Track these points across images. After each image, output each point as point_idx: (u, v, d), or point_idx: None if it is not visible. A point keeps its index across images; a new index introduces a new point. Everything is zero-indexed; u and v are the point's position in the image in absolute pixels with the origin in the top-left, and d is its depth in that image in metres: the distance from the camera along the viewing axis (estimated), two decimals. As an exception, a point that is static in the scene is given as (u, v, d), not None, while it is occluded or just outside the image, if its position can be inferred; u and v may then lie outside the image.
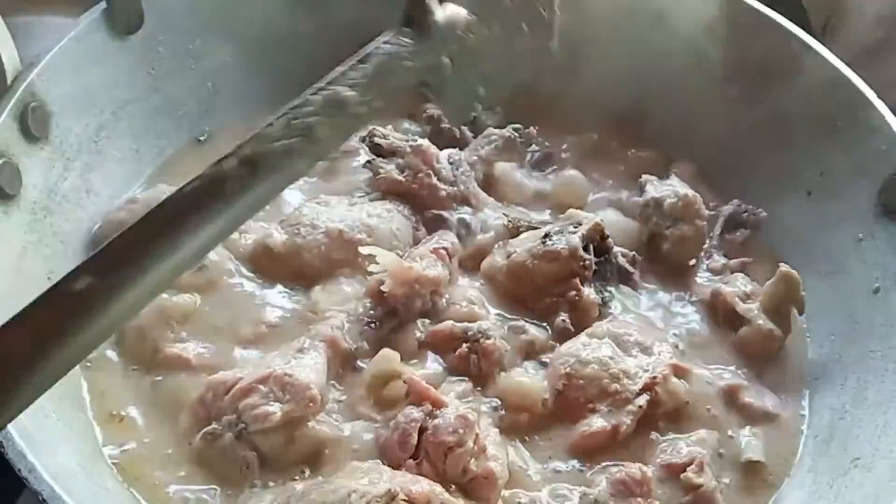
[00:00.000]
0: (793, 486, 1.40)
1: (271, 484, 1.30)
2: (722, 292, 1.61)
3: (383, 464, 1.30)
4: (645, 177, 1.80)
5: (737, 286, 1.63)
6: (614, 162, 1.94)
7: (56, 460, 1.11)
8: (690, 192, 1.71)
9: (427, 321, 1.53)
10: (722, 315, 1.61)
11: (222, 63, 1.84)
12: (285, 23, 1.87)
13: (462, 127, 1.91)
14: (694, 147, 1.92)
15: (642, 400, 1.40)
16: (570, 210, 1.70)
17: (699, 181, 1.86)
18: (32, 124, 1.46)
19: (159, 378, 1.41)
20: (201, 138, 1.84)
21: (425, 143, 1.71)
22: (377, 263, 1.49)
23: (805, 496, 1.36)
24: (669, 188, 1.74)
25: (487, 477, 1.28)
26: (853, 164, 1.67)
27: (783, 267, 1.59)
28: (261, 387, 1.32)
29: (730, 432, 1.45)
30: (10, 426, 1.07)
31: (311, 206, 1.63)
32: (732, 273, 1.70)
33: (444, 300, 1.56)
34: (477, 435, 1.32)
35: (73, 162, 1.56)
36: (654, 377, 1.42)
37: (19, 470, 1.07)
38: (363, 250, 1.49)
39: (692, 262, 1.73)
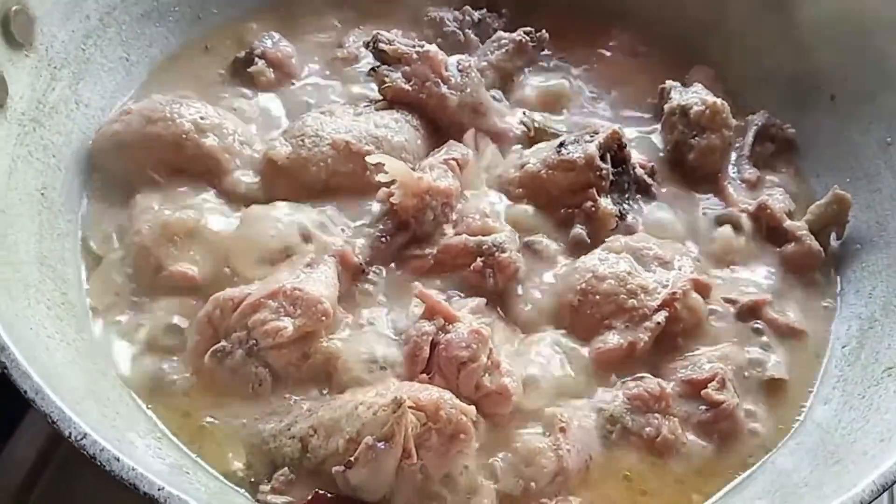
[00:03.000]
0: (819, 401, 1.47)
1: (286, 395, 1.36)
2: (769, 206, 1.66)
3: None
4: (669, 83, 1.83)
5: (779, 200, 1.67)
6: (630, 67, 1.95)
7: (63, 383, 1.16)
8: (718, 100, 1.74)
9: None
10: (766, 229, 1.66)
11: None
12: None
13: (466, 30, 1.91)
14: (711, 51, 1.96)
15: (660, 317, 1.45)
16: (588, 119, 1.72)
17: (717, 87, 1.89)
18: (16, 29, 1.49)
19: (164, 296, 1.45)
20: (194, 44, 1.84)
21: (433, 48, 1.72)
22: (386, 173, 1.51)
23: (834, 409, 1.44)
24: (695, 95, 1.76)
25: (501, 393, 1.35)
26: (880, 66, 1.70)
27: (837, 190, 1.64)
28: (270, 302, 1.37)
29: (752, 349, 1.50)
30: (12, 345, 1.12)
31: (314, 116, 1.65)
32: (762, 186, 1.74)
33: (455, 213, 1.59)
34: (491, 350, 1.38)
35: (60, 71, 1.59)
36: (674, 293, 1.47)
37: (25, 392, 1.11)
38: (371, 159, 1.52)
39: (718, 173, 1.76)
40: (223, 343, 1.37)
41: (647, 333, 1.45)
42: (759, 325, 1.55)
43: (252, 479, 1.29)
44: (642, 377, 1.44)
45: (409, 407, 1.22)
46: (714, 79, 1.92)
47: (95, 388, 1.28)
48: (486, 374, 1.35)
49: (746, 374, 1.48)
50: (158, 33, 1.80)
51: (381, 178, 1.52)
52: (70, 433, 1.06)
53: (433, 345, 1.37)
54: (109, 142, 1.59)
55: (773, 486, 1.32)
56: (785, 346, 1.54)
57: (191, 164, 1.59)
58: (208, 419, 1.34)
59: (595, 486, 1.34)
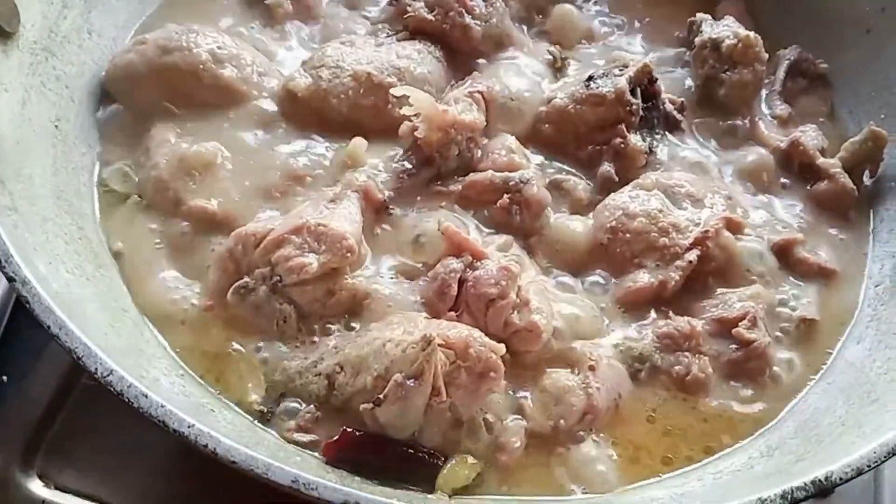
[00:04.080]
0: (852, 340, 1.44)
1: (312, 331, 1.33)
2: (802, 143, 1.61)
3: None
4: (699, 15, 1.77)
5: (812, 137, 1.62)
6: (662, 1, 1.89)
7: (86, 318, 1.13)
8: (750, 33, 1.69)
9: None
10: (797, 166, 1.62)
11: None
12: None
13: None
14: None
15: (692, 255, 1.42)
16: (617, 52, 1.67)
17: (747, 21, 1.84)
18: (27, -45, 1.42)
19: (185, 229, 1.41)
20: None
21: (457, -24, 1.65)
22: (410, 106, 1.46)
23: (867, 348, 1.41)
24: (727, 28, 1.71)
25: (532, 330, 1.32)
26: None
27: (873, 126, 1.60)
28: (294, 237, 1.34)
29: (784, 288, 1.47)
30: (33, 279, 1.09)
31: (335, 46, 1.60)
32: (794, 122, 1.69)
33: (479, 150, 1.55)
34: (519, 287, 1.34)
35: (71, -1, 1.52)
36: (706, 231, 1.44)
37: (48, 327, 1.07)
38: (396, 91, 1.47)
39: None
40: (246, 279, 1.34)
41: (678, 272, 1.42)
42: (789, 264, 1.51)
43: (266, 410, 1.27)
44: (672, 315, 1.40)
45: (439, 345, 1.20)
46: (744, 12, 1.86)
47: (116, 325, 1.25)
48: (515, 312, 1.32)
49: (777, 313, 1.44)
50: (172, -41, 1.73)
51: (405, 110, 1.47)
52: (96, 369, 1.03)
53: (461, 282, 1.34)
54: (123, 72, 1.53)
55: (806, 425, 1.30)
56: (817, 286, 1.51)
57: (208, 95, 1.54)
58: (232, 350, 1.32)
59: (620, 425, 1.31)
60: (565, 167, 1.59)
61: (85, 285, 1.27)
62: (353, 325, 1.35)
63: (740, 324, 1.39)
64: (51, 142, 1.42)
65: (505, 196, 1.48)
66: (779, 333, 1.43)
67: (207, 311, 1.35)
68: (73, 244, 1.33)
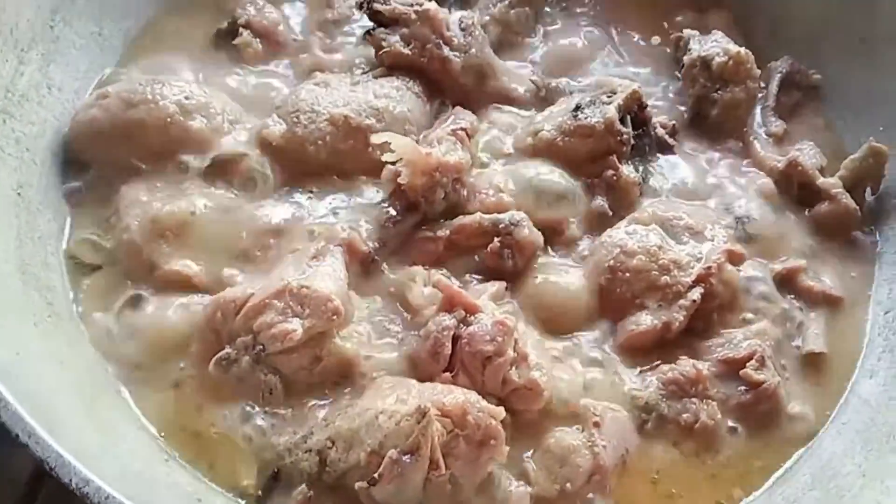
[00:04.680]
0: (864, 374, 1.39)
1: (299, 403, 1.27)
2: (800, 163, 1.55)
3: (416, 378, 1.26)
4: (686, 31, 1.70)
5: (810, 156, 1.55)
6: (640, 9, 1.81)
7: (59, 415, 1.06)
8: (741, 49, 1.62)
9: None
10: (797, 187, 1.55)
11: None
12: None
13: (465, -20, 1.77)
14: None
15: (696, 293, 1.36)
16: (602, 77, 1.60)
17: (735, 32, 1.77)
18: (-26, 12, 1.33)
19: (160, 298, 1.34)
20: (172, 12, 1.69)
21: (432, 6, 1.58)
22: (392, 152, 1.39)
23: (881, 383, 1.35)
24: (716, 45, 1.64)
25: (532, 388, 1.26)
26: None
27: (873, 142, 1.53)
28: (276, 302, 1.27)
29: (790, 321, 1.41)
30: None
31: (308, 89, 1.52)
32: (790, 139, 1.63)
33: (466, 189, 1.48)
34: (516, 341, 1.28)
35: (28, 53, 1.45)
36: (709, 267, 1.38)
37: (16, 436, 1.00)
38: (375, 139, 1.40)
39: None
40: (228, 350, 1.27)
41: (681, 312, 1.36)
42: (795, 294, 1.45)
43: (260, 494, 1.20)
44: (677, 359, 1.34)
45: (435, 414, 1.13)
46: (731, 22, 1.79)
47: (94, 413, 1.18)
48: (514, 368, 1.26)
49: (784, 348, 1.39)
50: (132, 3, 1.65)
51: (387, 157, 1.40)
52: (71, 480, 0.96)
53: (455, 339, 1.27)
54: (87, 129, 1.45)
55: (823, 473, 1.25)
56: (823, 316, 1.45)
57: (178, 149, 1.46)
58: (215, 432, 1.25)
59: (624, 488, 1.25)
60: (556, 202, 1.52)
61: (58, 371, 1.20)
62: (342, 391, 1.28)
63: (748, 364, 1.33)
64: (13, 212, 1.34)
65: (495, 239, 1.41)
66: (786, 372, 1.37)
67: (197, 386, 1.28)
68: (43, 324, 1.25)
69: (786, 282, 1.46)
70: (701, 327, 1.39)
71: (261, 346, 1.25)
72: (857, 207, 1.53)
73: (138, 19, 1.65)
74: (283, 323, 1.25)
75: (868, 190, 1.57)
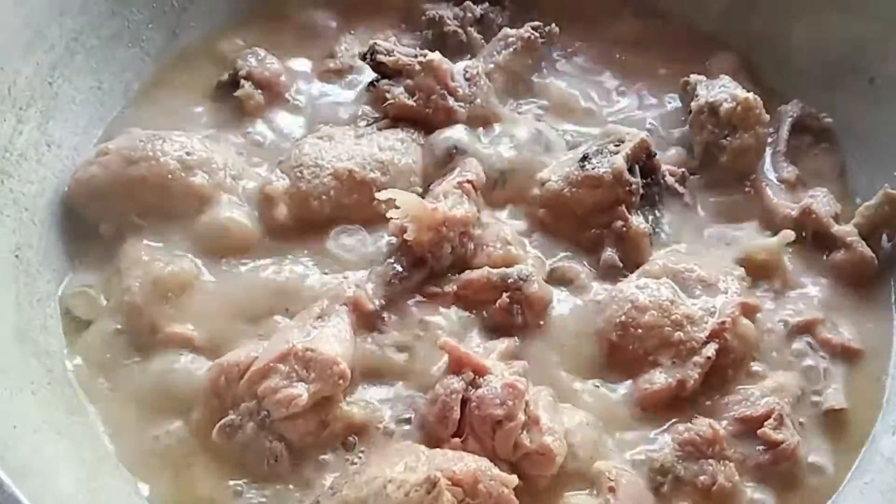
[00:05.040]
0: (886, 430, 1.35)
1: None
2: (814, 211, 1.52)
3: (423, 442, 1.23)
4: (693, 77, 1.68)
5: (824, 203, 1.52)
6: (646, 56, 1.79)
7: (56, 489, 1.02)
8: (749, 95, 1.59)
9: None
10: (811, 235, 1.52)
11: (186, -25, 1.67)
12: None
13: (468, 28, 1.75)
14: (733, 33, 1.80)
15: (710, 350, 1.32)
16: (611, 125, 1.58)
17: (743, 75, 1.75)
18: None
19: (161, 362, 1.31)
20: (172, 65, 1.67)
21: (437, 57, 1.56)
22: (397, 209, 1.36)
23: (905, 437, 1.31)
24: (724, 90, 1.61)
25: (544, 453, 1.22)
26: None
27: (888, 189, 1.50)
28: (280, 366, 1.24)
29: (809, 375, 1.37)
30: None
31: (312, 143, 1.50)
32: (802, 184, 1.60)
33: (473, 243, 1.45)
34: (527, 404, 1.24)
35: (26, 111, 1.42)
36: (723, 322, 1.34)
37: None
38: (380, 196, 1.37)
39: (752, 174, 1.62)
40: (231, 416, 1.24)
41: (696, 370, 1.32)
42: (813, 347, 1.42)
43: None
44: (692, 419, 1.31)
45: (445, 483, 1.10)
46: (738, 66, 1.77)
47: (94, 483, 1.15)
48: (525, 432, 1.23)
49: (802, 407, 1.35)
50: (132, 55, 1.62)
51: (392, 214, 1.37)
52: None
53: (463, 402, 1.24)
54: (87, 187, 1.43)
55: (848, 539, 1.20)
56: (842, 369, 1.41)
57: (180, 205, 1.43)
58: (223, 498, 1.21)
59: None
60: (566, 254, 1.49)
61: (56, 441, 1.17)
62: (348, 457, 1.24)
63: (766, 423, 1.29)
64: (11, 275, 1.31)
65: (504, 295, 1.38)
66: (805, 430, 1.33)
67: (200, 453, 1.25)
68: (41, 392, 1.22)
69: (803, 334, 1.43)
70: (717, 383, 1.35)
71: (265, 412, 1.22)
72: (874, 255, 1.50)
73: (139, 72, 1.63)
74: (287, 388, 1.22)
75: (884, 237, 1.54)
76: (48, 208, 1.42)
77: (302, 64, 1.70)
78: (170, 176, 1.42)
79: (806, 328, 1.43)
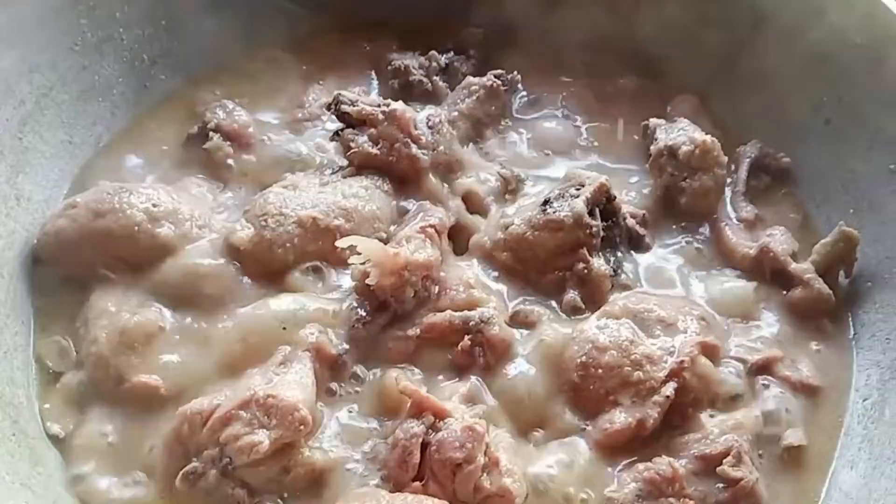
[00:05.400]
0: (845, 465, 1.37)
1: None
2: (772, 249, 1.55)
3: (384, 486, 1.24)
4: (652, 121, 1.71)
5: (781, 241, 1.56)
6: (608, 100, 1.84)
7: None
8: (707, 137, 1.63)
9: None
10: (770, 274, 1.55)
11: (156, 30, 1.71)
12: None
13: (434, 78, 1.79)
14: (693, 76, 1.84)
15: (669, 389, 1.34)
16: (571, 169, 1.61)
17: (702, 115, 1.79)
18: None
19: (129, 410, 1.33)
20: (142, 117, 1.71)
21: (400, 107, 1.59)
22: (359, 255, 1.39)
23: (861, 475, 1.33)
24: (682, 133, 1.65)
25: (503, 496, 1.23)
26: (876, 86, 1.58)
27: (843, 227, 1.54)
28: (242, 413, 1.25)
29: (768, 412, 1.39)
30: None
31: (277, 192, 1.53)
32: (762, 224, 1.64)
33: (437, 286, 1.47)
34: (487, 446, 1.26)
35: (-7, 165, 1.45)
36: (682, 361, 1.36)
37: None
38: (341, 243, 1.40)
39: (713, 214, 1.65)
40: (194, 463, 1.25)
41: (655, 409, 1.34)
42: (771, 384, 1.44)
43: None
44: (653, 456, 1.32)
45: (404, 529, 1.11)
46: (698, 108, 1.82)
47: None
48: (485, 475, 1.24)
49: (762, 443, 1.37)
50: (102, 109, 1.66)
51: (353, 260, 1.40)
52: None
53: (424, 446, 1.26)
54: (55, 240, 1.46)
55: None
56: (801, 405, 1.43)
57: (146, 256, 1.46)
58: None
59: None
60: (529, 297, 1.51)
61: (19, 492, 1.18)
62: (311, 503, 1.25)
63: (724, 461, 1.30)
64: (-22, 327, 1.33)
65: (466, 338, 1.40)
66: (765, 464, 1.35)
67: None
68: (6, 443, 1.24)
69: (763, 371, 1.45)
70: (677, 421, 1.37)
71: (228, 459, 1.23)
72: (831, 292, 1.52)
73: (109, 126, 1.67)
74: (249, 435, 1.23)
75: (842, 273, 1.57)
76: (17, 260, 1.45)
77: (270, 114, 1.74)
78: (136, 227, 1.45)
79: (765, 365, 1.45)
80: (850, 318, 1.55)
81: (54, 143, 1.57)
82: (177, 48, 1.75)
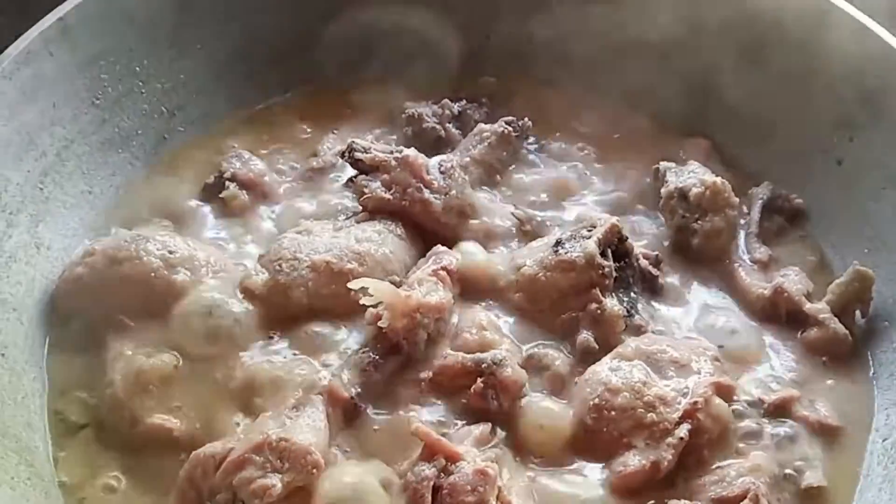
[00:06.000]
0: (866, 505, 1.33)
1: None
2: (786, 290, 1.55)
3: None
4: (663, 164, 1.73)
5: (795, 282, 1.56)
6: (620, 145, 1.86)
7: None
8: (717, 179, 1.64)
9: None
10: (785, 314, 1.55)
11: (175, 83, 1.76)
12: (238, 33, 1.83)
13: (447, 125, 1.83)
14: (705, 120, 1.86)
15: (683, 430, 1.33)
16: (582, 211, 1.63)
17: (714, 160, 1.81)
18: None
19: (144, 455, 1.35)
20: (161, 167, 1.75)
21: (412, 153, 1.62)
22: (371, 296, 1.41)
23: (883, 514, 1.30)
24: (693, 176, 1.66)
25: (517, 538, 1.22)
26: (888, 126, 1.60)
27: (858, 266, 1.54)
28: (255, 457, 1.26)
29: (786, 454, 1.38)
30: None
31: (291, 237, 1.55)
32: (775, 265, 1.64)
33: (450, 327, 1.49)
34: (500, 489, 1.26)
35: (17, 216, 1.49)
36: (695, 402, 1.35)
37: None
38: (353, 285, 1.41)
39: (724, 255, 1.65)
40: (207, 506, 1.25)
41: (670, 451, 1.33)
42: (789, 425, 1.42)
43: None
44: (669, 500, 1.31)
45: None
46: (709, 151, 1.84)
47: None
48: (497, 518, 1.23)
49: (781, 486, 1.35)
50: (122, 160, 1.71)
51: (365, 301, 1.41)
52: None
53: (436, 489, 1.25)
54: (73, 287, 1.49)
55: None
56: (820, 446, 1.41)
57: (163, 302, 1.48)
58: None
59: None
60: (542, 340, 1.51)
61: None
62: (324, 544, 1.25)
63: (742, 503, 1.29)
64: (-4, 373, 1.36)
65: (479, 380, 1.40)
66: (786, 507, 1.33)
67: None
68: (20, 487, 1.24)
69: (780, 412, 1.43)
70: (692, 464, 1.35)
71: (241, 503, 1.24)
72: (847, 332, 1.52)
73: (129, 175, 1.71)
74: (262, 479, 1.24)
75: (858, 313, 1.56)
76: (36, 307, 1.47)
77: (286, 163, 1.78)
78: (153, 274, 1.47)
79: (782, 405, 1.43)
80: (869, 358, 1.53)
81: (74, 194, 1.61)
82: (195, 100, 1.80)
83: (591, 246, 1.52)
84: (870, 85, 1.63)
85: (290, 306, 1.49)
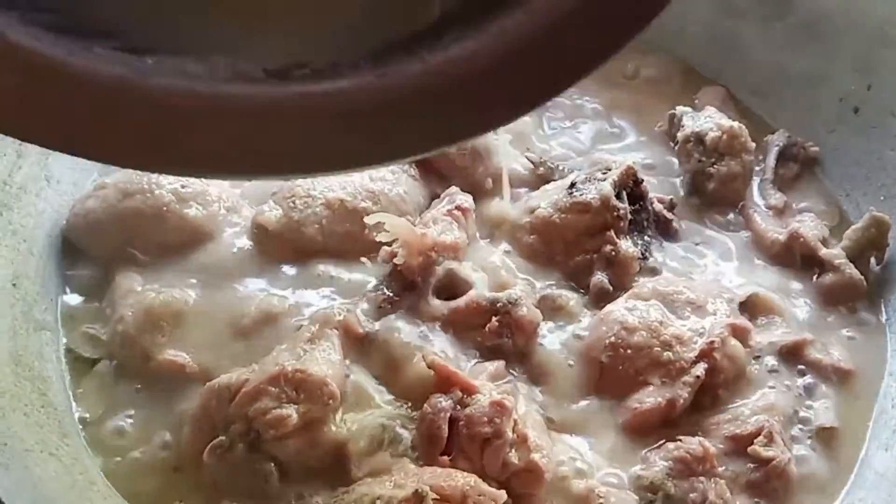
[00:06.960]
0: (879, 447, 1.36)
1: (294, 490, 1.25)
2: (802, 234, 1.55)
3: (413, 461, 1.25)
4: (679, 108, 1.73)
5: (811, 227, 1.56)
6: (635, 92, 1.85)
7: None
8: (735, 123, 1.64)
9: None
10: (800, 259, 1.56)
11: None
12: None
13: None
14: (720, 67, 1.86)
15: (699, 369, 1.34)
16: (598, 154, 1.63)
17: (730, 107, 1.80)
18: (-26, 107, 1.37)
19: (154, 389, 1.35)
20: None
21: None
22: (387, 232, 1.41)
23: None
24: (709, 120, 1.66)
25: (532, 471, 1.24)
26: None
27: (874, 212, 1.54)
28: (271, 388, 1.26)
29: (798, 395, 1.39)
30: None
31: (304, 175, 1.54)
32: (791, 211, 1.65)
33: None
34: (515, 422, 1.27)
35: (26, 147, 1.47)
36: (712, 342, 1.36)
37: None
38: (369, 219, 1.41)
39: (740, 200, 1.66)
40: (222, 437, 1.26)
41: (685, 389, 1.34)
42: (802, 367, 1.44)
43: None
44: (682, 437, 1.32)
45: (433, 499, 1.12)
46: (726, 98, 1.83)
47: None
48: (513, 450, 1.24)
49: (794, 423, 1.37)
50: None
51: (381, 237, 1.41)
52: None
53: (452, 421, 1.26)
54: (84, 220, 1.48)
55: (842, 554, 1.21)
56: (833, 389, 1.43)
57: (175, 237, 1.48)
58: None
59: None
60: (555, 281, 1.52)
61: (47, 462, 1.19)
62: (338, 476, 1.26)
63: (756, 441, 1.30)
64: (8, 302, 1.35)
65: (493, 319, 1.41)
66: (798, 445, 1.35)
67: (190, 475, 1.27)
68: (35, 415, 1.25)
69: (793, 355, 1.45)
70: (707, 403, 1.37)
71: (256, 433, 1.24)
72: (863, 278, 1.53)
73: (139, 112, 1.69)
74: (277, 409, 1.24)
75: (872, 259, 1.57)
76: (46, 240, 1.47)
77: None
78: (165, 208, 1.47)
79: (796, 349, 1.44)
80: (883, 303, 1.54)
81: (84, 128, 1.59)
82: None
83: (607, 188, 1.52)
84: (890, 33, 1.63)
85: (304, 243, 1.49)
